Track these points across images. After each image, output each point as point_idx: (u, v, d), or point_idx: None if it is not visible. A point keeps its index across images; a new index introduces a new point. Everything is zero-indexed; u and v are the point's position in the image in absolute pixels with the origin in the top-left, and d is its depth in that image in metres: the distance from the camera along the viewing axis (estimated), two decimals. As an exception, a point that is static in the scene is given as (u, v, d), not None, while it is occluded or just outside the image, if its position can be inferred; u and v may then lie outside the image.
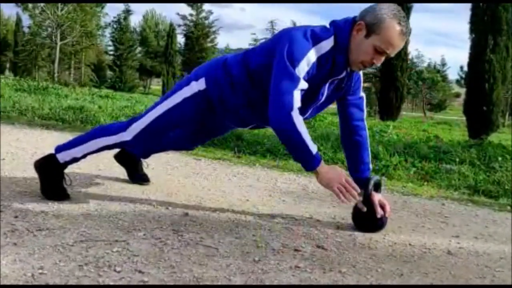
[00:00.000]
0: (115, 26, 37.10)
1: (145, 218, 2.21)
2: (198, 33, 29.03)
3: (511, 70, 9.03)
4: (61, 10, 25.04)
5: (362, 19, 1.96)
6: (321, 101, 2.13)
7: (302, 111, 2.00)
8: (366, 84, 33.30)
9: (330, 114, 9.21)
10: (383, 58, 2.01)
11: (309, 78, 1.96)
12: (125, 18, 37.50)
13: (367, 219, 2.23)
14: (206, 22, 29.59)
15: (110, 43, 38.42)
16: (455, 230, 2.42)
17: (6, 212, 2.13)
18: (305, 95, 1.97)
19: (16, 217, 2.07)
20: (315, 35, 1.95)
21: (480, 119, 8.56)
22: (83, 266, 1.62)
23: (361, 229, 2.25)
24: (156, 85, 53.70)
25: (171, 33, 33.66)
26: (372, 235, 2.20)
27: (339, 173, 2.03)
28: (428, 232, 2.35)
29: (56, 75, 25.43)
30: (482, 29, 8.52)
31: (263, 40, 2.29)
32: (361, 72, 2.28)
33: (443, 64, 53.84)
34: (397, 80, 20.15)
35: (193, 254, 1.80)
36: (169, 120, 2.27)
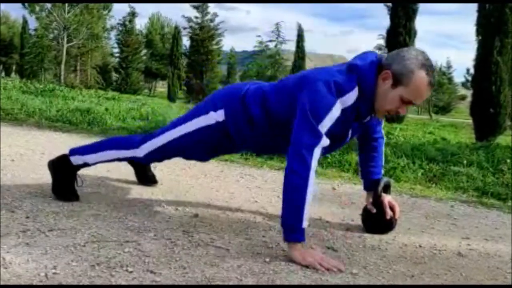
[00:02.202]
0: (120, 28, 37.22)
1: (155, 219, 2.22)
2: (204, 36, 29.07)
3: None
4: (68, 12, 25.18)
5: (389, 67, 1.87)
6: (347, 141, 2.11)
7: (327, 150, 1.99)
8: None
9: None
10: (408, 107, 1.96)
11: (333, 128, 1.87)
12: (131, 21, 37.60)
13: (377, 221, 2.23)
14: (212, 24, 29.64)
15: (116, 45, 38.57)
16: (465, 232, 2.41)
17: (17, 212, 2.14)
18: (331, 139, 1.90)
19: (27, 217, 2.08)
20: (339, 88, 1.85)
21: (487, 121, 8.52)
22: (95, 266, 1.62)
23: (371, 231, 2.25)
24: (161, 87, 53.85)
25: (176, 36, 33.76)
26: (382, 236, 2.20)
27: (319, 254, 1.82)
28: (437, 233, 2.35)
29: (62, 77, 25.53)
30: (489, 31, 8.49)
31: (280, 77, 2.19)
32: None
33: (449, 67, 53.70)
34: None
35: (204, 255, 1.80)
36: (183, 145, 2.25)
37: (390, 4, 20.74)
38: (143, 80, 42.33)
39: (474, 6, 9.08)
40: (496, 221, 2.73)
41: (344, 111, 1.87)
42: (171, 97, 29.89)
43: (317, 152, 1.83)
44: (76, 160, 2.44)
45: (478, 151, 4.93)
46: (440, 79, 39.46)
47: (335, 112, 1.84)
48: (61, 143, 4.42)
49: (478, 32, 8.87)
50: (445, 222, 2.59)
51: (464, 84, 24.89)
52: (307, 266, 1.75)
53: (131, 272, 1.60)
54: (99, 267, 1.62)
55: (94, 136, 5.15)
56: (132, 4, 39.85)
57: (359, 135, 2.26)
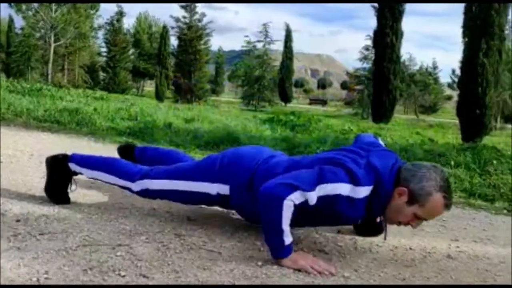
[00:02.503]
0: (108, 28, 36.99)
1: (147, 222, 2.22)
2: (192, 35, 28.99)
3: (503, 73, 9.12)
4: (55, 12, 24.94)
5: (407, 185, 1.82)
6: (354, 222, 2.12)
7: (330, 223, 2.05)
8: (359, 86, 33.50)
9: (325, 116, 9.25)
10: (421, 222, 1.92)
11: (332, 208, 1.82)
12: (118, 20, 37.39)
13: (367, 223, 2.25)
14: (200, 24, 29.57)
15: (103, 44, 38.33)
16: (454, 234, 2.44)
17: (7, 215, 2.12)
18: (341, 219, 1.91)
19: (18, 221, 2.07)
20: (356, 178, 1.80)
21: (473, 122, 8.62)
22: (88, 271, 1.62)
23: (361, 234, 2.27)
24: (149, 86, 53.58)
25: (164, 35, 33.63)
26: (372, 239, 2.22)
27: (310, 257, 1.83)
28: (427, 235, 2.37)
29: (49, 76, 25.30)
30: (475, 33, 8.59)
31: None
32: None
33: (435, 67, 54.16)
34: (389, 83, 20.25)
35: (196, 258, 1.81)
36: (178, 197, 2.23)
37: (376, 5, 20.90)
38: (131, 80, 42.13)
39: (460, 8, 9.19)
40: (484, 222, 2.77)
41: (351, 200, 1.80)
42: (159, 97, 29.76)
43: (299, 194, 1.74)
44: (73, 167, 2.41)
45: (465, 152, 4.99)
46: (426, 79, 39.81)
47: (340, 189, 1.78)
48: (50, 144, 4.40)
49: (465, 34, 8.96)
50: (434, 224, 2.61)
51: (450, 85, 25.08)
52: (299, 270, 1.76)
53: (123, 276, 1.60)
54: (92, 271, 1.62)
55: (83, 137, 5.14)
56: (120, 4, 39.52)
57: None
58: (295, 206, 1.74)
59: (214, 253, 1.88)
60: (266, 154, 2.13)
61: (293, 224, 1.79)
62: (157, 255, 1.80)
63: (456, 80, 23.78)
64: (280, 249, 1.78)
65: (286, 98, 40.07)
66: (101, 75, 37.76)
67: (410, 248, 2.14)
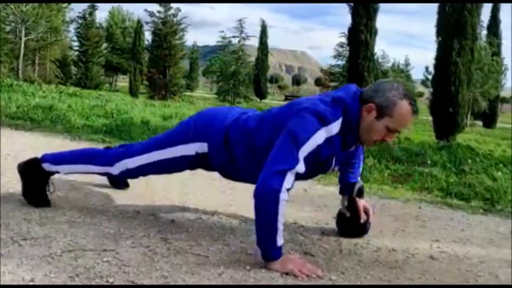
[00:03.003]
0: (80, 21, 36.32)
1: (131, 225, 2.20)
2: (167, 30, 28.71)
3: (475, 72, 9.32)
4: (26, 5, 24.36)
5: (372, 101, 1.91)
6: (332, 167, 2.12)
7: (311, 176, 2.03)
8: (333, 83, 33.72)
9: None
10: (395, 135, 2.01)
11: (318, 156, 1.88)
12: (91, 14, 36.75)
13: (351, 225, 2.28)
14: (175, 19, 29.31)
15: (75, 38, 37.62)
16: (434, 234, 2.49)
17: (-13, 220, 2.08)
18: (315, 167, 1.93)
19: (-2, 225, 2.02)
20: (324, 117, 1.86)
21: (446, 120, 8.79)
22: (74, 278, 1.60)
23: (346, 235, 2.29)
24: (121, 81, 52.88)
25: (138, 30, 33.18)
26: (356, 240, 2.24)
27: (298, 261, 1.85)
28: (408, 236, 2.41)
29: (20, 71, 24.72)
30: (448, 33, 8.74)
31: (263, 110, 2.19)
32: None
33: (407, 64, 54.97)
34: (364, 80, 20.41)
35: (184, 263, 1.80)
36: (161, 168, 2.24)
37: (351, 4, 21.04)
38: (103, 74, 41.48)
39: (433, 7, 9.32)
40: (461, 222, 2.82)
41: (329, 139, 1.87)
42: (133, 92, 29.40)
43: (289, 177, 1.79)
44: (48, 167, 2.38)
45: (441, 151, 5.08)
46: (399, 76, 40.37)
47: (317, 139, 1.84)
48: (25, 143, 4.31)
49: (438, 34, 9.11)
50: (414, 224, 2.66)
51: (424, 82, 25.48)
52: (287, 273, 1.77)
53: (111, 283, 1.59)
54: (78, 278, 1.60)
55: (59, 135, 5.05)
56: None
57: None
58: (288, 190, 1.79)
59: (201, 257, 1.87)
60: (237, 112, 2.20)
61: None
62: (144, 260, 1.79)
63: (429, 77, 24.14)
64: (272, 250, 1.80)
65: (261, 94, 40.11)
66: (73, 69, 37.06)
67: (393, 250, 2.17)
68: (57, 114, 6.56)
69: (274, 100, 44.09)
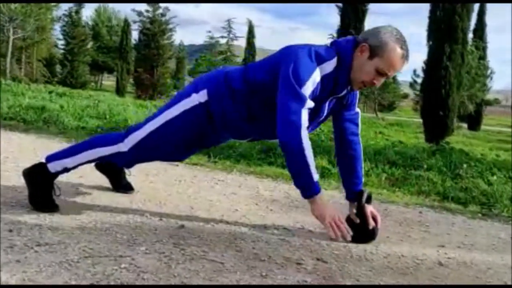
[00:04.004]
0: (66, 19, 35.99)
1: (142, 230, 2.20)
2: (155, 30, 28.60)
3: (465, 76, 9.47)
4: (14, 4, 24.04)
5: (366, 41, 2.03)
6: (322, 117, 2.18)
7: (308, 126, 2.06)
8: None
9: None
10: (382, 79, 2.09)
11: (313, 97, 2.00)
12: (77, 12, 36.45)
13: (360, 231, 2.30)
14: (163, 19, 29.20)
15: (61, 36, 37.24)
16: (439, 240, 2.52)
17: (-2, 225, 2.07)
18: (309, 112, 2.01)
19: (10, 231, 2.02)
20: (319, 56, 2.00)
21: (436, 124, 8.90)
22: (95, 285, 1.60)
23: (354, 241, 2.32)
24: (107, 80, 52.49)
25: (125, 29, 33.01)
26: (365, 246, 2.27)
27: (335, 210, 2.07)
28: (415, 242, 2.44)
29: (7, 71, 24.40)
30: (439, 37, 8.85)
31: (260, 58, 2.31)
32: None
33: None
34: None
35: (200, 270, 1.81)
36: (167, 132, 2.26)
37: (340, 4, 21.14)
38: (89, 73, 41.14)
39: (421, 9, 9.43)
40: (463, 227, 2.87)
41: (323, 78, 2.00)
42: (120, 92, 29.22)
43: (304, 113, 1.95)
44: (54, 166, 2.37)
45: (435, 155, 5.14)
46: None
47: (316, 77, 1.97)
48: (22, 145, 4.28)
49: (429, 38, 9.22)
50: (418, 229, 2.70)
51: (412, 85, 25.70)
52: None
53: (143, 285, 1.60)
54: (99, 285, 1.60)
55: (55, 137, 5.01)
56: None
57: (336, 135, 2.37)
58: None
59: (217, 264, 1.88)
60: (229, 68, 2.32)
61: None
62: (161, 267, 1.80)
63: (417, 80, 24.35)
64: (311, 186, 2.01)
65: (248, 94, 40.00)
66: (58, 68, 36.68)
67: (402, 256, 2.20)
68: (50, 114, 6.50)
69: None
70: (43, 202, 2.35)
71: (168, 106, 2.29)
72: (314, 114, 2.10)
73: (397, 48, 2.00)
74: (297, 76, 1.94)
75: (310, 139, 2.05)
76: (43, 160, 2.40)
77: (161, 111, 2.31)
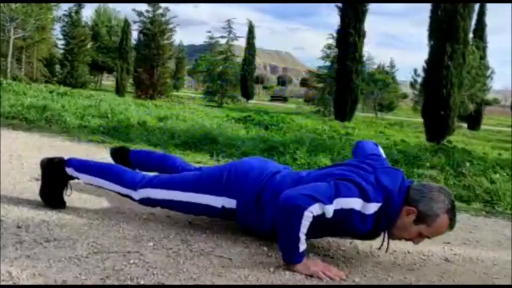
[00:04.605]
0: (66, 19, 35.96)
1: (149, 226, 2.21)
2: (155, 30, 28.53)
3: (466, 76, 9.50)
4: (15, 4, 23.98)
5: (416, 205, 1.88)
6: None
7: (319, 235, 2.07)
8: (321, 85, 33.81)
9: (287, 114, 9.31)
10: (423, 239, 1.97)
11: (345, 222, 1.86)
12: (77, 12, 36.40)
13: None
14: (163, 19, 29.12)
15: (61, 36, 37.20)
16: (444, 237, 2.51)
17: (6, 221, 2.07)
18: (333, 230, 1.96)
19: (19, 227, 2.02)
20: (366, 193, 1.85)
21: (438, 123, 8.91)
22: (105, 279, 1.61)
23: (360, 238, 2.32)
24: (106, 80, 52.43)
25: (126, 29, 32.95)
26: (370, 242, 2.27)
27: (321, 263, 1.88)
28: (420, 238, 2.45)
29: (8, 70, 24.35)
30: (440, 37, 8.86)
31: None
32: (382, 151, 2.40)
33: (392, 66, 55.34)
34: (352, 82, 20.57)
35: (209, 265, 1.81)
36: (181, 208, 2.22)
37: (340, 4, 21.16)
38: (88, 73, 41.10)
39: (421, 9, 9.42)
40: (468, 224, 2.87)
41: (362, 215, 1.85)
42: (119, 91, 29.17)
43: (317, 207, 1.78)
44: (71, 172, 2.36)
45: (438, 154, 5.15)
46: (385, 78, 40.65)
47: (354, 203, 1.83)
48: (26, 143, 4.28)
49: (430, 38, 9.23)
50: (423, 226, 2.70)
51: (412, 85, 25.68)
52: (311, 276, 1.80)
53: (142, 285, 1.60)
54: (109, 280, 1.61)
55: (57, 136, 5.02)
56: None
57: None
58: (313, 217, 1.78)
59: (225, 259, 1.89)
60: (272, 168, 2.17)
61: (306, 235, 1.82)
62: (170, 262, 1.80)
63: (417, 79, 24.34)
64: (295, 255, 1.82)
65: (248, 95, 40.08)
66: (57, 68, 36.62)
67: (408, 252, 2.21)
68: (52, 114, 6.50)
69: (260, 101, 44.10)
70: (53, 197, 2.35)
71: (193, 188, 2.17)
72: (342, 232, 2.04)
73: (447, 220, 1.89)
74: (337, 188, 1.84)
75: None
76: (66, 158, 2.39)
77: (185, 186, 2.19)
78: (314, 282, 1.76)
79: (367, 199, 1.84)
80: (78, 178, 2.36)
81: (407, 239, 1.97)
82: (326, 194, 1.81)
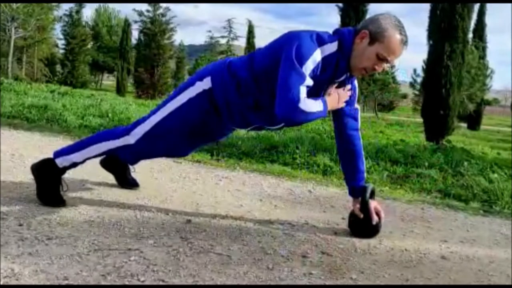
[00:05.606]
0: (66, 19, 36.03)
1: (149, 225, 2.23)
2: (156, 30, 28.63)
3: (465, 76, 9.51)
4: (16, 3, 24.03)
5: (366, 28, 2.07)
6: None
7: None
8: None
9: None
10: (383, 65, 2.12)
11: (313, 78, 2.02)
12: (78, 12, 36.48)
13: (364, 225, 2.34)
14: (164, 19, 29.22)
15: (61, 36, 37.26)
16: (441, 235, 2.56)
17: (8, 219, 2.10)
18: (308, 95, 2.04)
19: (20, 225, 2.05)
20: (320, 38, 2.04)
21: (437, 123, 8.93)
22: (106, 276, 1.63)
23: (359, 235, 2.35)
24: (107, 80, 52.48)
25: (126, 29, 33.04)
26: (369, 240, 2.30)
27: (335, 94, 2.18)
28: (417, 237, 2.47)
29: (9, 70, 24.40)
30: (439, 37, 8.87)
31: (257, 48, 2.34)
32: (356, 84, 2.39)
33: (392, 66, 55.21)
34: (352, 82, 20.59)
35: (208, 262, 1.84)
36: (173, 120, 2.27)
37: (340, 4, 21.16)
38: (89, 73, 41.16)
39: (421, 9, 9.45)
40: (465, 223, 2.90)
41: (324, 59, 2.04)
42: (120, 91, 29.26)
43: (302, 90, 1.97)
44: (62, 162, 2.40)
45: (437, 153, 5.17)
46: (385, 78, 40.68)
47: (316, 56, 2.01)
48: (27, 142, 4.31)
49: (429, 37, 9.23)
50: (421, 225, 2.73)
51: (412, 84, 25.73)
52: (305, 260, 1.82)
53: (143, 281, 1.63)
54: (110, 276, 1.64)
55: (59, 135, 5.04)
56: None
57: (336, 130, 2.42)
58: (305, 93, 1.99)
59: (224, 257, 1.92)
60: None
61: None
62: (170, 260, 1.83)
63: (417, 79, 24.35)
64: (324, 109, 2.09)
65: (248, 94, 40.00)
66: (58, 67, 36.67)
67: (406, 250, 2.23)
68: (53, 113, 6.52)
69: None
70: (51, 197, 2.38)
71: (172, 97, 2.31)
72: (314, 93, 2.12)
73: (397, 33, 2.04)
74: (298, 54, 1.97)
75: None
76: (51, 156, 2.43)
77: (165, 102, 2.33)
78: (313, 279, 1.79)
79: (323, 42, 2.04)
80: (74, 165, 2.39)
81: (370, 68, 2.11)
82: (296, 73, 1.97)
